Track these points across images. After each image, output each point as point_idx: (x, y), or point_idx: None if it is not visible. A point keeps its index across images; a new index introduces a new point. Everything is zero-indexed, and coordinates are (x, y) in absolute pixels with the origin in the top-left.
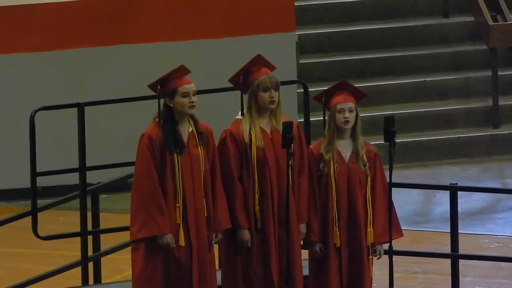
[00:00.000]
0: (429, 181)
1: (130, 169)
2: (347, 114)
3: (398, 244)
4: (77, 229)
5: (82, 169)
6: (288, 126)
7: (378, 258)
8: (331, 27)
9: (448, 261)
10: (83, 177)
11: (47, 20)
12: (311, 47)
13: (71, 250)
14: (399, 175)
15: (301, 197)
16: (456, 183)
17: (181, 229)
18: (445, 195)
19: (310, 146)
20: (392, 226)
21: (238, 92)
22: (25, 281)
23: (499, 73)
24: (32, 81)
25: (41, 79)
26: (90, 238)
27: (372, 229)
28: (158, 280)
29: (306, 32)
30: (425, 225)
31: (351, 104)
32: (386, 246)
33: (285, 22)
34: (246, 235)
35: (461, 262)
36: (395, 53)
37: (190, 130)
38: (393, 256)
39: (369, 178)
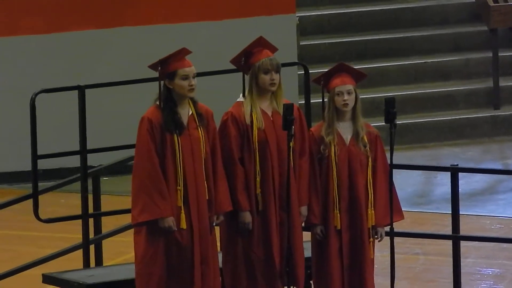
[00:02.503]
0: (430, 162)
1: (131, 152)
2: (346, 97)
3: (399, 225)
4: (79, 211)
5: (83, 151)
6: (288, 108)
7: (379, 240)
8: (332, 8)
9: (449, 243)
10: (84, 160)
11: (48, 3)
12: (312, 28)
13: (73, 232)
14: (400, 157)
15: (302, 179)
16: (457, 164)
17: (183, 211)
18: (446, 176)
19: (311, 129)
20: (393, 208)
21: (240, 74)
22: (27, 264)
23: (500, 54)
24: (33, 64)
25: (42, 61)
26: (91, 220)
27: (373, 211)
28: (160, 262)
29: (307, 14)
30: (426, 206)
31: (350, 87)
32: (387, 228)
33: (286, 4)
34: (247, 217)
35: (462, 243)
36: (396, 35)
37: (190, 113)
38: (394, 237)
39: (370, 160)
